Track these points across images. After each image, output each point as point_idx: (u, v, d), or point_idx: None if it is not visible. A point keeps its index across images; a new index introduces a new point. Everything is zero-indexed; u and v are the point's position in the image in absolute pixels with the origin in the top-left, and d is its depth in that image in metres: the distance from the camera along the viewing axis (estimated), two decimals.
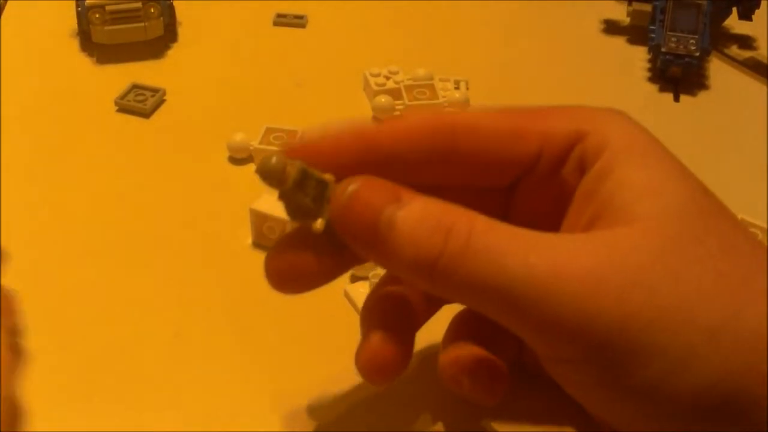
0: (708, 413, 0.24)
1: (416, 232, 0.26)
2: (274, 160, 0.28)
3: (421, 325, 0.32)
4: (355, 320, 0.32)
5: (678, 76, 0.55)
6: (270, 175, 0.28)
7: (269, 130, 0.47)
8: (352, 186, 0.27)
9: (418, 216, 0.26)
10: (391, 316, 0.31)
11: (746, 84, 0.57)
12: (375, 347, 0.29)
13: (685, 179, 0.27)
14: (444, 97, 0.51)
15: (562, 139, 0.29)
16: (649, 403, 0.25)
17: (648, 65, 0.57)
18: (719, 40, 0.60)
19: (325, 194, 0.28)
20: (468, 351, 0.31)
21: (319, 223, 0.28)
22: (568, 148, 0.29)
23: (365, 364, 0.29)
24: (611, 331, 0.24)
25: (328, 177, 0.28)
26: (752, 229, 0.42)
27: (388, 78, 0.53)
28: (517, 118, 0.30)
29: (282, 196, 0.28)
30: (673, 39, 0.55)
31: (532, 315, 0.25)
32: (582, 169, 0.29)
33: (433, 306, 0.33)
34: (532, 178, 0.30)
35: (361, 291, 0.38)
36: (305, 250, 0.29)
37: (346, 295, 0.38)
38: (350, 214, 0.27)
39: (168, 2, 0.57)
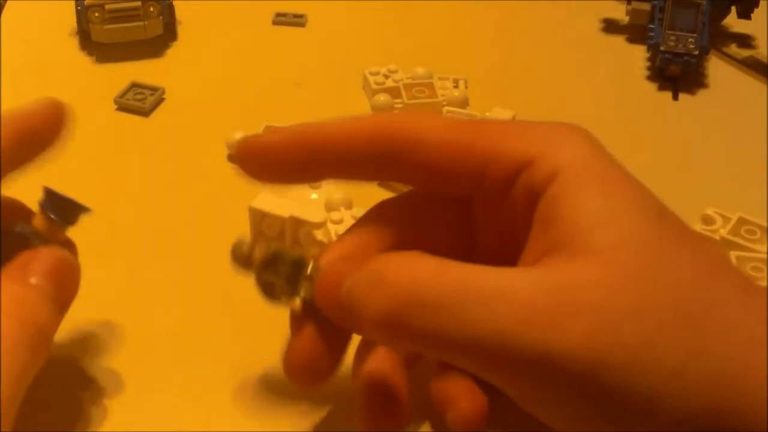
0: None
1: (365, 296, 0.26)
2: (244, 247, 0.29)
3: None
4: None
5: (677, 75, 0.55)
6: (237, 260, 0.30)
7: (268, 129, 0.47)
8: (320, 270, 0.29)
9: (365, 280, 0.26)
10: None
11: (745, 83, 0.57)
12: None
13: (642, 206, 0.27)
14: (443, 95, 0.51)
15: (507, 162, 0.29)
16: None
17: (647, 64, 0.58)
18: (718, 38, 0.60)
19: (303, 272, 0.29)
20: (453, 383, 0.32)
21: (296, 303, 0.29)
22: (515, 173, 0.29)
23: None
24: (582, 375, 0.24)
25: (311, 253, 0.29)
26: (752, 228, 0.42)
27: (387, 77, 0.53)
28: (464, 134, 0.30)
29: (255, 278, 0.30)
30: (672, 38, 0.55)
31: (501, 365, 0.25)
32: (531, 194, 0.28)
33: None
34: (483, 195, 0.30)
35: None
36: (310, 341, 0.29)
37: None
38: (321, 296, 0.28)
39: (167, 1, 0.57)
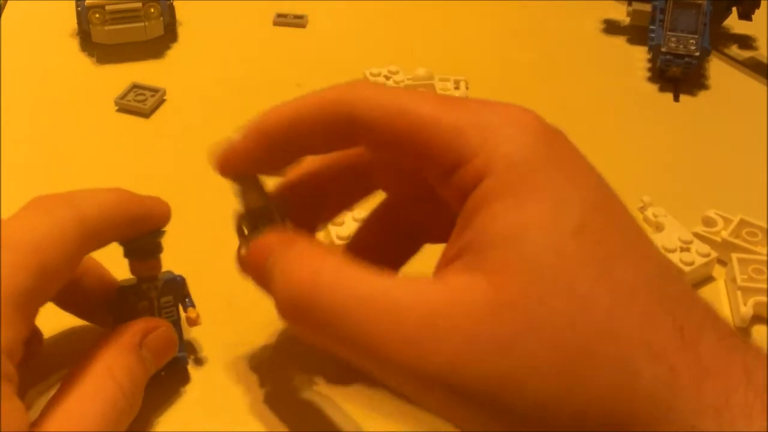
0: None
1: (276, 282, 0.28)
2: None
3: None
4: None
5: (678, 76, 0.55)
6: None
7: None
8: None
9: (289, 258, 0.28)
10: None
11: (746, 84, 0.57)
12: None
13: (556, 219, 0.25)
14: None
15: (445, 157, 0.27)
16: None
17: (648, 65, 0.58)
18: (719, 40, 0.60)
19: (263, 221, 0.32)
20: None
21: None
22: (450, 169, 0.27)
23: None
24: (445, 399, 0.24)
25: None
26: (753, 230, 0.42)
27: (388, 78, 0.53)
28: (410, 121, 0.28)
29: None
30: (673, 39, 0.55)
31: (381, 371, 0.26)
32: (462, 192, 0.27)
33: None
34: (424, 183, 0.29)
35: None
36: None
37: None
38: (250, 260, 0.31)
39: (168, 2, 0.57)
